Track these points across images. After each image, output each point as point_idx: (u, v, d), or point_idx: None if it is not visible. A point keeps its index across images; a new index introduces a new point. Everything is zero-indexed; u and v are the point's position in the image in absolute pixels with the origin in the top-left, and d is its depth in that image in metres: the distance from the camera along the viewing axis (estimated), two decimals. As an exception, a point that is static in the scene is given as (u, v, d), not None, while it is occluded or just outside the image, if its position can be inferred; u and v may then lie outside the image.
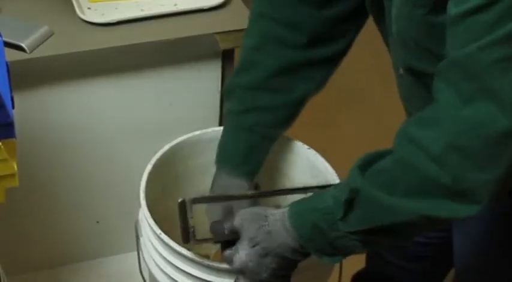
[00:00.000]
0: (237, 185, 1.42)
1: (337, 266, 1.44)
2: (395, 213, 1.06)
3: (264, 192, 1.46)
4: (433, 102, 1.03)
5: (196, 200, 1.30)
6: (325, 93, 1.42)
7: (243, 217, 1.23)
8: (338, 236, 1.11)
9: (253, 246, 1.19)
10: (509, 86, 0.96)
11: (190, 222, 1.28)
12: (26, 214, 1.92)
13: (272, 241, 1.17)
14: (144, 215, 1.40)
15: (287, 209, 1.18)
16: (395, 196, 1.05)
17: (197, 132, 1.57)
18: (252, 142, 1.43)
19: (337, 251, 1.14)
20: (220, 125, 1.89)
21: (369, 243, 1.12)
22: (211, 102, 1.90)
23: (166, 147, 1.53)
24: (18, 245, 1.96)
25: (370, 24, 1.36)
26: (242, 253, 1.21)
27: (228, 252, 1.24)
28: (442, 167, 1.00)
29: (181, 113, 1.89)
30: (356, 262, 1.76)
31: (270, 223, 1.18)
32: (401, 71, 1.25)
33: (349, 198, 1.09)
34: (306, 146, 1.55)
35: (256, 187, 1.47)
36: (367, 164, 1.10)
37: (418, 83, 1.22)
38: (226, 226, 1.25)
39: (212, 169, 1.47)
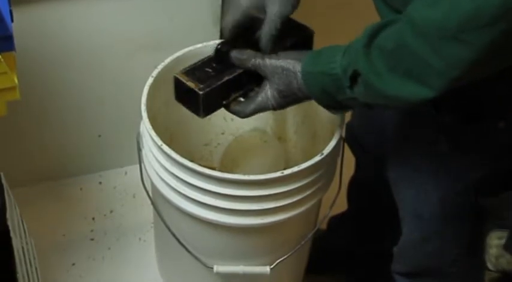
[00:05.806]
0: None
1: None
2: (392, 96, 1.11)
3: None
4: None
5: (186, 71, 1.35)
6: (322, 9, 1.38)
7: (274, 70, 1.31)
8: (344, 98, 1.21)
9: (284, 97, 1.31)
10: None
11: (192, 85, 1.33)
12: (28, 127, 1.93)
13: (300, 96, 1.29)
14: (145, 127, 1.41)
15: (300, 66, 1.27)
16: (394, 76, 1.09)
17: (198, 45, 1.57)
18: None
19: (343, 107, 1.26)
20: (220, 39, 1.88)
21: (372, 105, 1.21)
22: (212, 17, 1.89)
23: (167, 60, 1.53)
24: (21, 158, 1.98)
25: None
26: (273, 101, 1.32)
27: (259, 98, 1.33)
28: (436, 52, 1.02)
29: (182, 28, 1.88)
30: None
31: (299, 81, 1.28)
32: None
33: (354, 75, 1.16)
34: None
35: None
36: (373, 36, 1.13)
37: None
38: (251, 63, 1.32)
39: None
